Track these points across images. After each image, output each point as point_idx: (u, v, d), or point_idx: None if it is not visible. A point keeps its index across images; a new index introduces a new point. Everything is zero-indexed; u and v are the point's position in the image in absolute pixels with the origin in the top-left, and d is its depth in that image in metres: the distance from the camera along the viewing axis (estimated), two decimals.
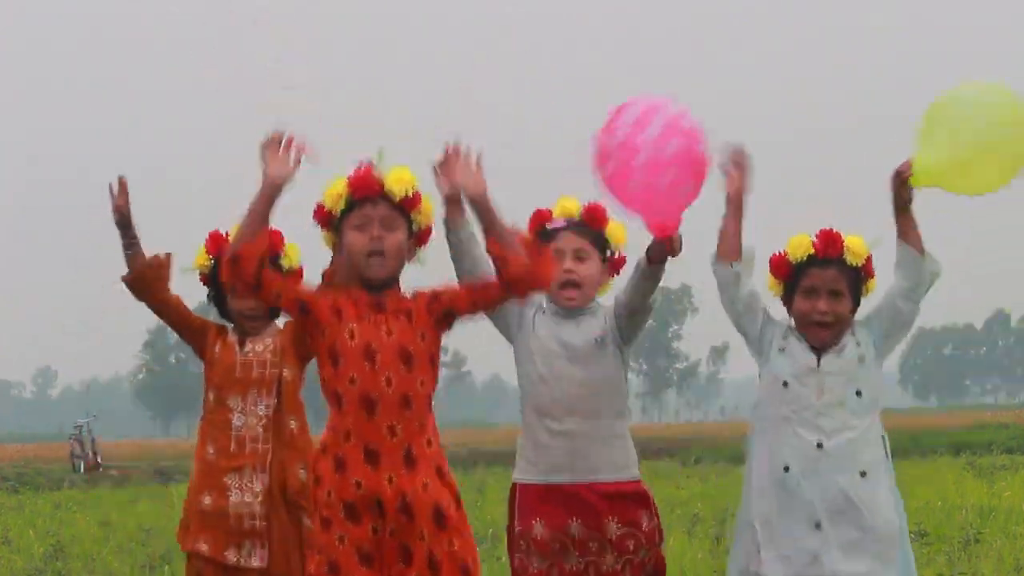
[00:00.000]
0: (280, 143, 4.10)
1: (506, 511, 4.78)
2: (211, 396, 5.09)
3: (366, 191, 4.25)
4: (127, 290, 5.11)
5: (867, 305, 4.78)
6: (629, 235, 4.79)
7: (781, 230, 4.75)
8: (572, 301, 4.66)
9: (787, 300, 4.77)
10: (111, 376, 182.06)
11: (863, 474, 4.58)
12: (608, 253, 4.76)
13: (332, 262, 4.64)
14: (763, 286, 4.83)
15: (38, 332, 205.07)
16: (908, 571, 4.65)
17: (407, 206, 4.29)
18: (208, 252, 5.15)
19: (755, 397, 4.80)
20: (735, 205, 4.69)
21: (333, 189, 4.29)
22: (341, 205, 4.27)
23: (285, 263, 5.08)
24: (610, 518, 4.57)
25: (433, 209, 4.40)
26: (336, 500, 4.17)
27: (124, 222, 5.10)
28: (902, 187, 4.54)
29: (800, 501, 4.57)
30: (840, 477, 4.56)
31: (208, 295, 5.23)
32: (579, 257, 4.66)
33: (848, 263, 4.66)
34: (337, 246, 4.39)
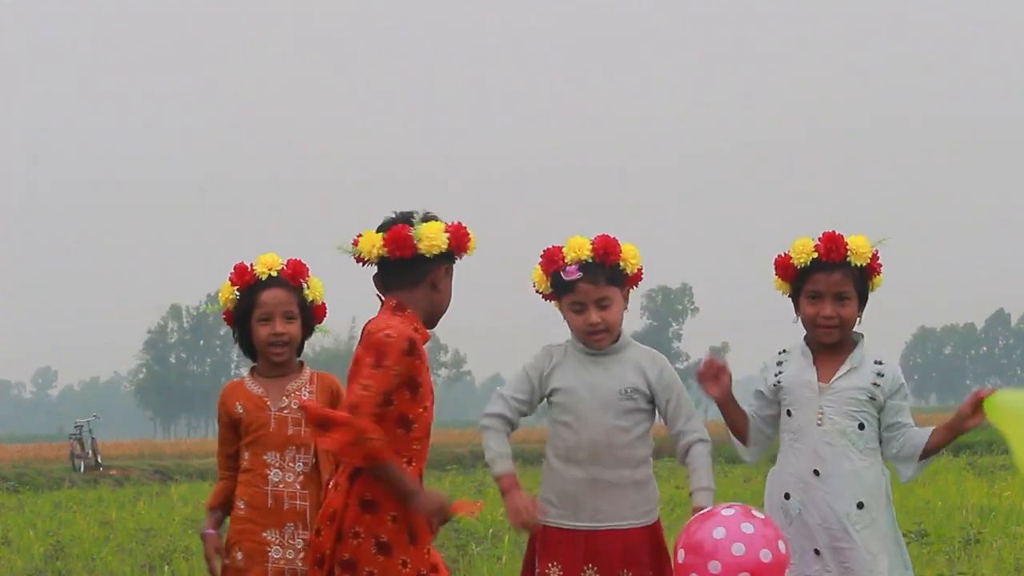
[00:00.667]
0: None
1: (524, 552, 4.77)
2: (247, 454, 4.96)
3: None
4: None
5: (876, 305, 4.76)
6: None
7: (789, 229, 4.73)
8: (602, 343, 4.64)
9: (794, 301, 4.75)
10: (111, 376, 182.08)
11: (860, 505, 4.56)
12: (626, 278, 4.69)
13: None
14: (767, 287, 4.82)
15: (38, 332, 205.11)
16: None
17: None
18: (233, 284, 5.02)
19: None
20: (726, 404, 4.81)
21: (473, 242, 4.42)
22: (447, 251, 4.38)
23: (308, 295, 5.02)
24: (625, 570, 4.53)
25: None
26: (402, 524, 4.28)
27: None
28: (973, 410, 4.40)
29: (801, 527, 4.58)
30: (837, 506, 4.55)
31: (233, 333, 5.09)
32: (602, 306, 4.62)
33: (852, 264, 4.64)
34: (427, 280, 4.42)
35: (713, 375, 4.76)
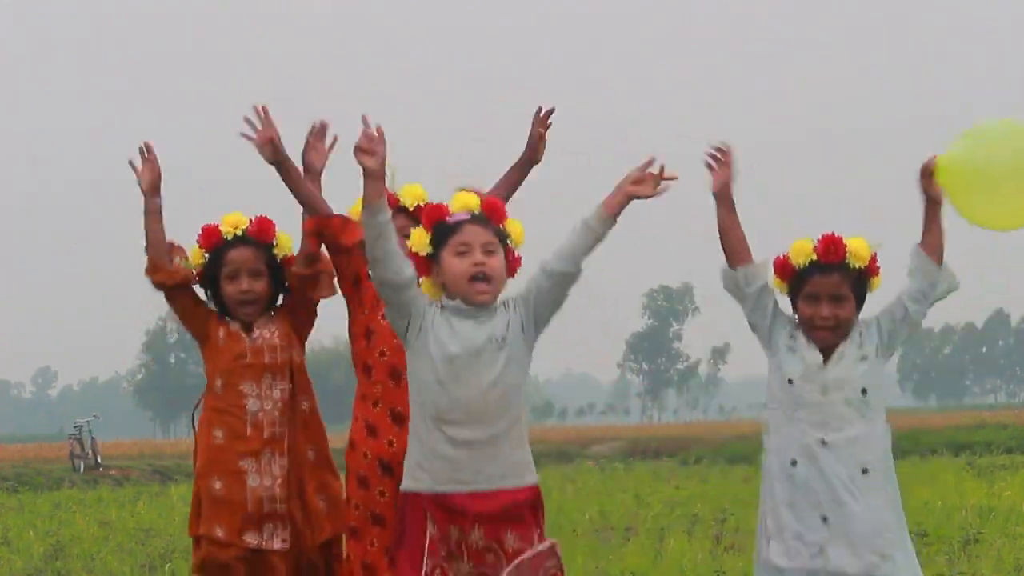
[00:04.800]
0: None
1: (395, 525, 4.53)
2: (219, 382, 5.02)
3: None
4: (148, 276, 5.13)
5: (875, 302, 4.78)
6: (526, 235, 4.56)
7: (793, 229, 4.75)
8: (485, 296, 4.34)
9: (792, 301, 4.77)
10: (111, 376, 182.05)
11: (865, 471, 4.60)
12: (507, 250, 4.45)
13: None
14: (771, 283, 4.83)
15: (38, 332, 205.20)
16: (910, 565, 4.66)
17: None
18: (201, 246, 5.14)
19: (766, 392, 4.80)
20: (723, 202, 4.73)
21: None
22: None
23: (278, 252, 5.12)
24: (510, 531, 4.27)
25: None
26: (373, 459, 4.88)
27: (155, 188, 5.30)
28: (928, 182, 4.62)
29: (807, 495, 4.60)
30: (843, 472, 4.58)
31: (206, 291, 5.17)
32: (488, 251, 4.34)
33: (851, 267, 4.66)
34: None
35: (719, 161, 4.68)
